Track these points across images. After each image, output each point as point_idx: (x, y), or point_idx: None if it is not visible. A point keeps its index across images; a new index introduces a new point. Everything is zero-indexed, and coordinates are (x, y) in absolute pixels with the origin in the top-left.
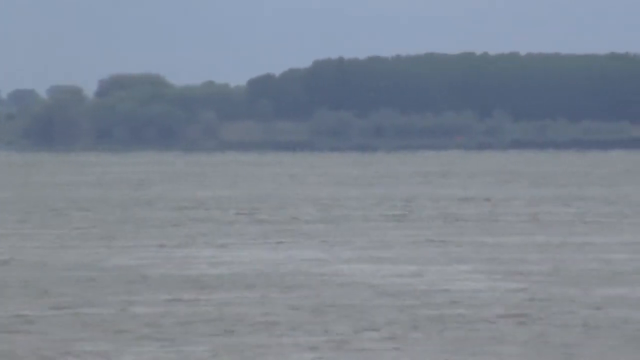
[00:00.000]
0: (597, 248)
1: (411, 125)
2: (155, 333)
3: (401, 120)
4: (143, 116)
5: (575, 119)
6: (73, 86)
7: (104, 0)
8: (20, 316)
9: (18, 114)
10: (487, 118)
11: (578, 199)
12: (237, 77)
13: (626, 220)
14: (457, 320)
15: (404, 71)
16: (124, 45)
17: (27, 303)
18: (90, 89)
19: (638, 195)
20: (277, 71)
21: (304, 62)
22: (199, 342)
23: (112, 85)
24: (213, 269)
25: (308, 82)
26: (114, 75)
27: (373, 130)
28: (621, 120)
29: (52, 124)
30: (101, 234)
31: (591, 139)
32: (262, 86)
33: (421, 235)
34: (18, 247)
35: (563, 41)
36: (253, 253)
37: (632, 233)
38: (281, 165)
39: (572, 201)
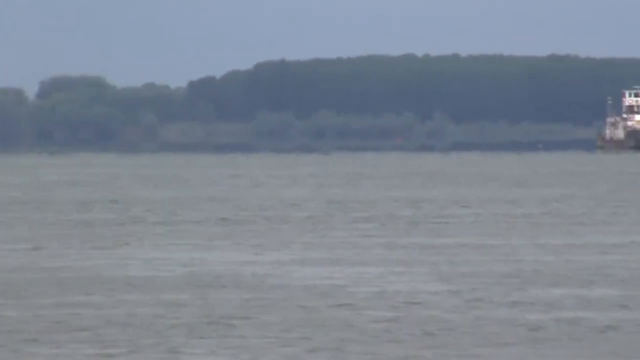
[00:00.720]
0: (503, 250)
1: (352, 127)
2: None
3: (342, 121)
4: (83, 118)
5: (516, 120)
6: (14, 87)
7: (44, 0)
8: None
9: None
10: (428, 120)
11: (509, 201)
12: (178, 78)
13: (551, 221)
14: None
15: (346, 73)
16: (65, 45)
17: None
18: (31, 90)
19: (570, 197)
20: (218, 73)
21: (246, 63)
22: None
23: (53, 87)
24: (141, 270)
25: (249, 83)
26: (54, 77)
27: (314, 132)
28: (563, 121)
29: None
30: (28, 236)
31: (531, 140)
32: (203, 88)
33: (340, 238)
34: None
35: (504, 43)
36: (180, 255)
37: (553, 235)
38: (220, 166)
39: (501, 203)
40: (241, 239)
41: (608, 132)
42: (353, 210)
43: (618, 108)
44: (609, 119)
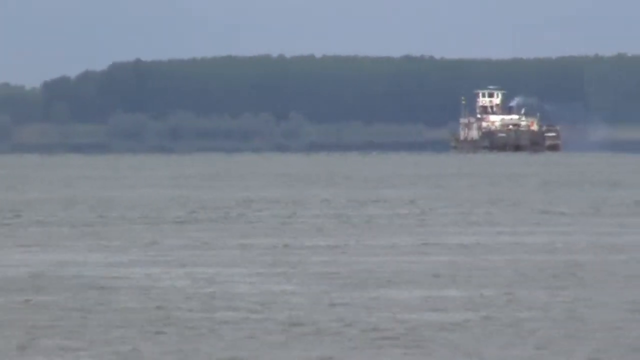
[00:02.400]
0: (355, 251)
1: (209, 127)
2: None
3: (199, 122)
4: None
5: (370, 121)
6: None
7: None
8: None
9: None
10: (284, 120)
11: (362, 202)
12: (33, 78)
13: (400, 222)
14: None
15: (202, 73)
16: None
17: None
18: None
19: (424, 197)
20: (73, 73)
21: (101, 64)
22: None
23: None
24: None
25: (104, 84)
26: None
27: (170, 132)
28: (417, 122)
29: None
30: None
31: (385, 141)
32: (57, 88)
33: (197, 239)
34: None
35: (359, 43)
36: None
37: (405, 235)
38: (73, 168)
39: (357, 204)
40: (81, 240)
41: (462, 133)
42: (206, 211)
43: (472, 109)
44: (463, 120)
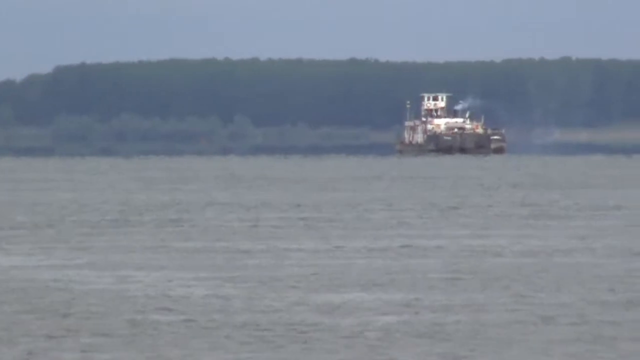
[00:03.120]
0: (296, 254)
1: (155, 130)
2: None
3: (145, 125)
4: None
5: (316, 124)
6: None
7: None
8: None
9: None
10: (230, 123)
11: (305, 205)
12: None
13: (339, 224)
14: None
15: (148, 76)
16: None
17: None
18: None
19: (369, 201)
20: (18, 76)
21: (46, 67)
22: None
23: None
24: None
25: (49, 87)
26: None
27: (115, 135)
28: (362, 125)
29: None
30: None
31: (330, 144)
32: (2, 92)
33: (140, 241)
34: None
35: (303, 46)
36: None
37: (350, 238)
38: (16, 171)
39: (289, 207)
40: (15, 243)
41: (407, 136)
42: (146, 214)
43: (417, 112)
44: (408, 123)
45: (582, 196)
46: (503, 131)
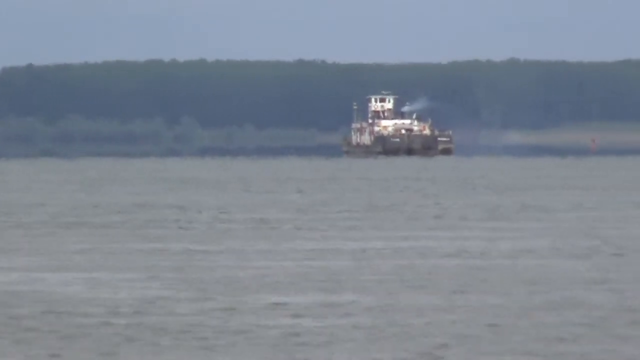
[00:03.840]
0: (230, 255)
1: (101, 132)
2: None
3: (90, 126)
4: None
5: (263, 125)
6: None
7: None
8: None
9: None
10: (176, 125)
11: (250, 206)
12: None
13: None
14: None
15: (94, 78)
16: None
17: None
18: None
19: (318, 203)
20: None
21: None
22: None
23: None
24: None
25: None
26: None
27: (61, 137)
28: (309, 127)
29: None
30: None
31: (277, 145)
32: None
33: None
34: None
35: (251, 47)
36: None
37: (288, 240)
38: None
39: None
40: None
41: (354, 138)
42: (89, 216)
43: (364, 113)
44: (355, 125)
45: (520, 197)
46: (450, 133)
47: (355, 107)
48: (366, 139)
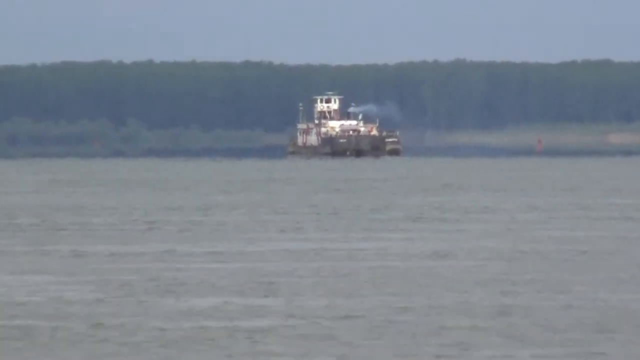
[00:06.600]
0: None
1: (47, 133)
2: None
3: (36, 128)
4: None
5: (209, 126)
6: None
7: None
8: None
9: None
10: (122, 126)
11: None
12: None
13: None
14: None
15: (39, 79)
16: None
17: None
18: None
19: (270, 203)
20: None
21: None
22: None
23: None
24: None
25: None
26: None
27: (6, 138)
28: (255, 128)
29: None
30: None
31: (223, 147)
32: None
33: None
34: None
35: (197, 49)
36: None
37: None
38: None
39: (190, 210)
40: None
41: (300, 139)
42: (29, 218)
43: (310, 114)
44: (301, 125)
45: (461, 198)
46: (398, 133)
47: (301, 108)
48: (313, 139)
